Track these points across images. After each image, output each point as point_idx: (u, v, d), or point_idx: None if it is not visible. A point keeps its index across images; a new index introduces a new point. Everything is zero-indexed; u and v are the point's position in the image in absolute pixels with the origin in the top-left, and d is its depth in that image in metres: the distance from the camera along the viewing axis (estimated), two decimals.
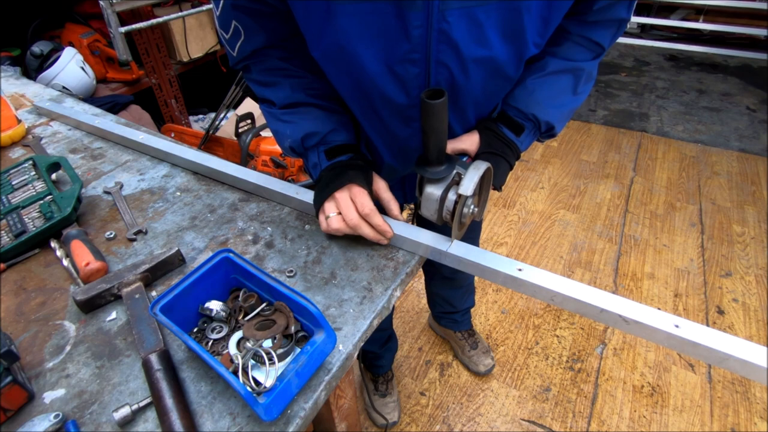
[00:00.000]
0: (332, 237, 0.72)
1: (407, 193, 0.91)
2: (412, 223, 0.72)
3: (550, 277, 0.59)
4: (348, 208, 0.66)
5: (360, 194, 0.66)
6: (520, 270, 0.61)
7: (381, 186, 0.71)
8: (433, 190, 0.64)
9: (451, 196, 0.63)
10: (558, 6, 0.59)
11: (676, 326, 0.52)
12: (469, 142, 0.71)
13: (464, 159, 0.70)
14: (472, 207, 0.65)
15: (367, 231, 0.67)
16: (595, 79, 0.73)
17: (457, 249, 0.65)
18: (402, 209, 1.02)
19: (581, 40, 0.69)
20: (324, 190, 0.68)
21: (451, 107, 0.67)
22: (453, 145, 0.70)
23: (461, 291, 1.43)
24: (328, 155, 0.71)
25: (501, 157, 0.70)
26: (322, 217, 0.69)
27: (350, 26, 0.56)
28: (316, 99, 0.71)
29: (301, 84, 0.70)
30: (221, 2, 0.64)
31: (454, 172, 0.64)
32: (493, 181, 0.68)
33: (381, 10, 0.55)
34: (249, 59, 0.70)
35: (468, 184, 0.60)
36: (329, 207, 0.68)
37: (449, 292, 1.43)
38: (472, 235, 1.21)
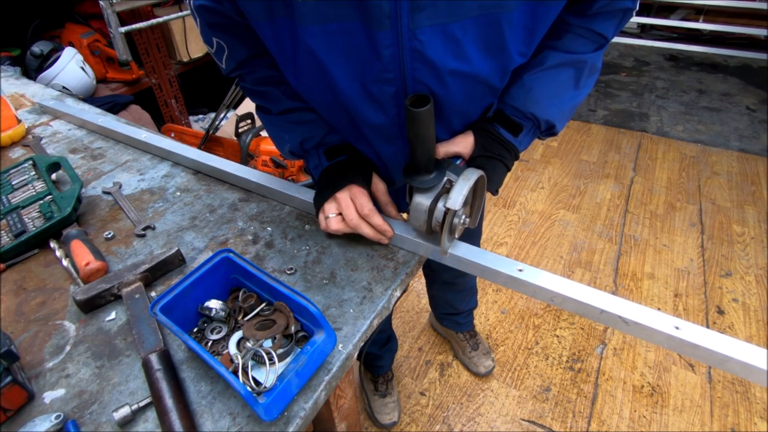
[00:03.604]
0: (332, 237, 0.72)
1: (401, 203, 0.90)
2: None
3: (550, 278, 0.59)
4: (348, 208, 0.66)
5: (360, 194, 0.66)
6: (520, 270, 0.60)
7: (380, 188, 0.71)
8: (422, 200, 0.61)
9: (441, 206, 0.60)
10: (543, 14, 0.56)
11: (676, 328, 0.52)
12: (463, 144, 0.67)
13: (458, 162, 0.67)
14: (463, 218, 0.62)
15: (367, 230, 0.67)
16: (599, 71, 0.68)
17: (457, 249, 0.65)
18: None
19: (582, 31, 0.64)
20: (324, 190, 0.68)
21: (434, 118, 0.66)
22: (446, 148, 0.67)
23: (462, 294, 1.43)
24: (329, 155, 0.71)
25: (497, 160, 0.67)
26: (321, 217, 0.69)
27: (320, 47, 0.55)
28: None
29: (293, 91, 0.70)
30: (198, 21, 0.64)
31: (445, 179, 0.61)
32: (488, 185, 0.64)
33: (349, 30, 0.53)
34: (239, 69, 0.70)
35: (456, 198, 0.56)
36: (329, 207, 0.68)
37: (450, 296, 1.43)
38: (472, 236, 1.21)
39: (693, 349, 0.51)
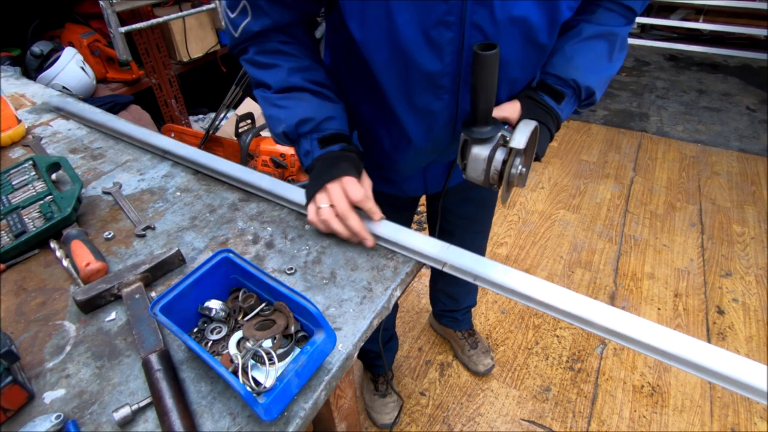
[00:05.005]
0: (332, 236, 0.72)
1: (428, 183, 0.90)
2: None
3: (545, 286, 0.59)
4: (339, 198, 0.67)
5: (350, 183, 0.67)
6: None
7: (366, 184, 0.71)
8: (481, 151, 0.63)
9: (499, 156, 0.63)
10: None
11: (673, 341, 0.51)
12: (511, 109, 0.70)
13: (506, 127, 0.69)
14: (520, 167, 0.65)
15: (354, 223, 0.67)
16: (627, 48, 0.74)
17: (454, 258, 0.65)
18: (411, 222, 1.02)
19: (612, 5, 0.70)
20: (317, 180, 0.69)
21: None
22: (494, 113, 0.69)
23: (467, 288, 1.44)
24: (321, 144, 0.71)
25: (543, 125, 0.70)
26: (312, 207, 0.69)
27: None
28: (313, 85, 0.71)
29: (298, 68, 0.70)
30: None
31: (499, 134, 0.64)
32: (535, 148, 0.67)
33: None
34: (249, 41, 0.70)
35: (520, 138, 0.59)
36: (321, 198, 0.68)
37: (456, 289, 1.44)
38: (482, 231, 1.22)
39: (689, 365, 0.51)
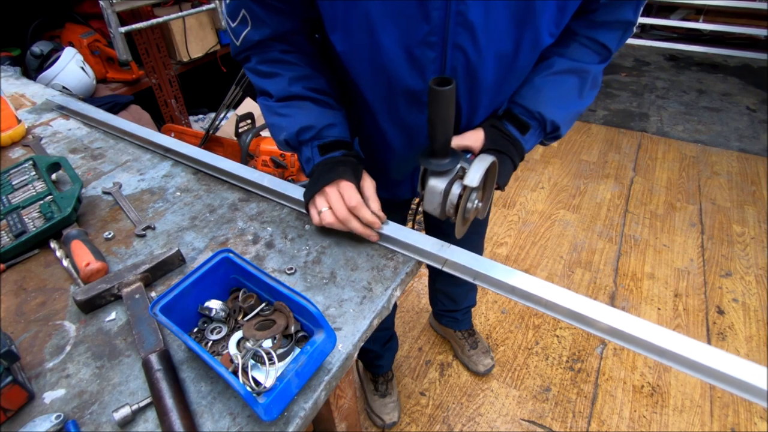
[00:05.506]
0: (332, 236, 0.72)
1: (416, 187, 0.91)
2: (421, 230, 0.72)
3: (544, 286, 0.59)
4: (338, 202, 0.67)
5: (347, 188, 0.67)
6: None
7: (367, 184, 0.72)
8: (437, 183, 0.63)
9: (455, 190, 0.63)
10: None
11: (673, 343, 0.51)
12: (473, 138, 0.70)
13: (468, 156, 0.70)
14: (476, 202, 0.64)
15: (355, 225, 0.67)
16: (600, 86, 0.73)
17: (455, 256, 0.65)
18: (406, 220, 1.02)
19: (587, 41, 0.69)
20: (314, 184, 0.69)
21: (464, 93, 0.68)
22: (457, 142, 0.70)
23: (466, 288, 1.44)
24: (322, 150, 0.71)
25: (505, 155, 0.70)
26: (314, 212, 0.69)
27: (373, 8, 0.58)
28: (314, 93, 0.71)
29: (299, 77, 0.71)
30: None
31: (459, 166, 0.63)
32: (496, 178, 0.67)
33: None
34: (252, 49, 0.70)
35: (474, 175, 0.59)
36: (320, 202, 0.69)
37: (454, 289, 1.44)
38: (478, 232, 1.22)
39: (689, 366, 0.51)
